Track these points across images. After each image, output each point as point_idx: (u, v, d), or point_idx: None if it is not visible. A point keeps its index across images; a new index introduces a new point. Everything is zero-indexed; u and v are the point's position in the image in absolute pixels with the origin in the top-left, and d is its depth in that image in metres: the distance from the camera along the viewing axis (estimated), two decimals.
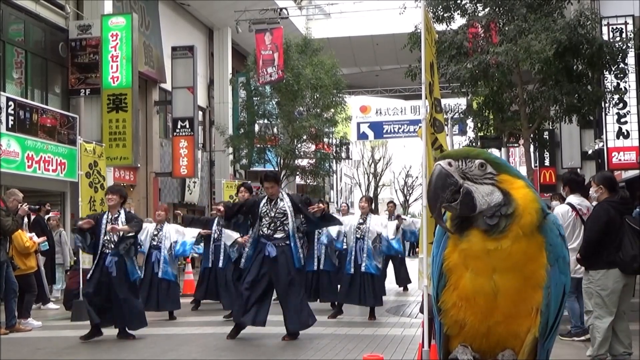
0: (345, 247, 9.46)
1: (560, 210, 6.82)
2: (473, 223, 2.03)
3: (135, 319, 7.77)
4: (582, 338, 6.84)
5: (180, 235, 9.82)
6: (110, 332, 8.42)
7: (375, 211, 14.12)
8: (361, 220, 9.25)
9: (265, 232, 7.57)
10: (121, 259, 7.64)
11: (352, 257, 9.13)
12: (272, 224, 7.58)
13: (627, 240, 5.54)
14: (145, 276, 9.45)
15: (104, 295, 7.64)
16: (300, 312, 7.53)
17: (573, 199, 6.79)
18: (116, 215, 7.75)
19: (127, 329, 7.82)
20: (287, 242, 7.54)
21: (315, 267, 10.33)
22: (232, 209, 7.94)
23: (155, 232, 9.74)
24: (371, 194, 48.61)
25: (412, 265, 12.33)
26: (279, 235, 7.56)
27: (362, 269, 9.01)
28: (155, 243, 9.63)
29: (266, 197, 7.74)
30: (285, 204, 7.63)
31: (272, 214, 7.58)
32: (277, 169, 22.54)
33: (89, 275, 7.83)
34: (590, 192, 6.22)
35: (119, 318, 7.74)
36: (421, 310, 6.48)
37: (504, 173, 2.07)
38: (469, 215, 2.03)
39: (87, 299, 7.74)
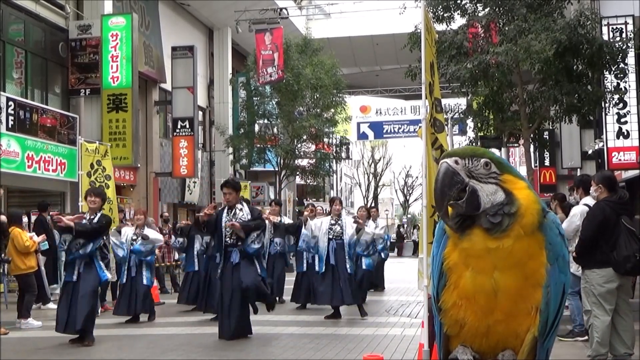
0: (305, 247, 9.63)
1: (578, 210, 6.83)
2: (475, 222, 2.03)
3: (88, 319, 7.47)
4: (586, 338, 6.83)
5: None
6: (110, 332, 8.42)
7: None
8: (333, 222, 9.39)
9: (229, 241, 7.58)
10: (90, 260, 7.51)
11: (325, 257, 9.20)
12: (233, 233, 7.57)
13: (622, 241, 5.56)
14: (125, 281, 9.38)
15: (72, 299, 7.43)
16: (239, 322, 7.49)
17: (588, 200, 6.79)
18: (93, 217, 7.63)
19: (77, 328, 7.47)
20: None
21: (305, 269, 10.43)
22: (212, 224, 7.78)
23: (134, 237, 9.56)
24: (371, 194, 48.64)
25: (412, 265, 12.32)
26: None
27: (339, 269, 9.10)
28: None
29: (226, 208, 7.70)
30: (245, 214, 7.63)
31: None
32: (277, 169, 22.58)
33: (66, 280, 7.61)
34: (590, 191, 6.23)
35: (76, 319, 7.38)
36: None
37: (507, 173, 2.09)
38: (473, 213, 2.03)
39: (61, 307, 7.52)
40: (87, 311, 7.36)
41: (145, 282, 9.37)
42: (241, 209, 7.68)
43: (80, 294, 7.39)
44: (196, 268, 10.49)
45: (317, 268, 9.34)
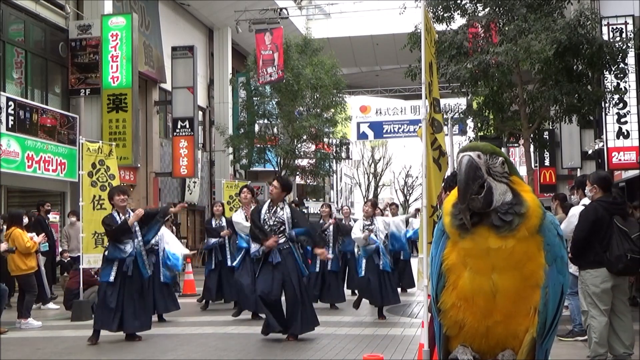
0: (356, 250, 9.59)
1: (576, 211, 6.83)
2: (482, 220, 2.03)
3: (148, 318, 7.81)
4: (586, 337, 6.84)
5: (169, 244, 9.69)
6: (109, 332, 8.42)
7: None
8: (368, 223, 9.35)
9: None
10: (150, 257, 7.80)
11: (364, 261, 9.19)
12: (272, 232, 7.53)
13: (614, 241, 5.58)
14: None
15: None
16: (309, 316, 7.53)
17: (587, 201, 6.80)
18: (128, 216, 7.69)
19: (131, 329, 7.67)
20: (288, 245, 7.53)
21: (317, 269, 10.51)
22: (256, 233, 7.68)
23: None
24: (371, 194, 48.62)
25: (412, 265, 12.30)
26: (281, 240, 7.51)
27: (380, 267, 9.11)
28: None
29: (267, 203, 7.71)
30: (285, 214, 7.58)
31: (271, 222, 7.55)
32: (277, 169, 22.57)
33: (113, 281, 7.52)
34: (585, 191, 6.25)
35: (138, 318, 7.62)
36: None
37: (515, 175, 2.11)
38: (484, 210, 2.03)
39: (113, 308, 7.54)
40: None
41: (162, 279, 9.37)
42: (282, 208, 7.62)
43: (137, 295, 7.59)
44: (213, 266, 10.66)
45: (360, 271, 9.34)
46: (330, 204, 11.33)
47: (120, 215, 7.67)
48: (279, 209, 7.61)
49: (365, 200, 10.34)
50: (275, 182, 7.74)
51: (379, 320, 9.05)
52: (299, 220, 7.63)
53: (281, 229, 7.54)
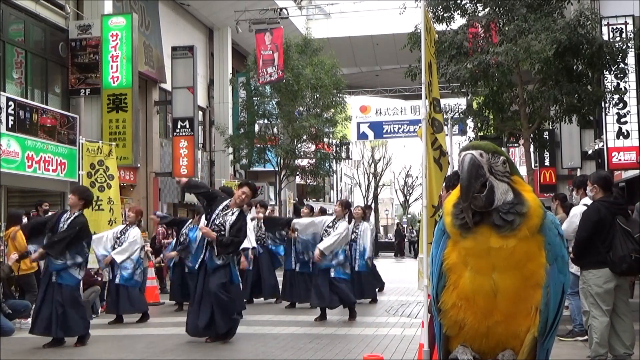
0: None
1: (578, 210, 6.84)
2: (483, 219, 2.03)
3: (73, 328, 7.35)
4: (586, 337, 6.84)
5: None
6: (110, 332, 8.42)
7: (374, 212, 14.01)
8: (331, 224, 9.11)
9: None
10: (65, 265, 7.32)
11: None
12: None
13: (618, 241, 5.58)
14: (111, 279, 9.28)
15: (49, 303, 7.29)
16: (205, 321, 7.38)
17: (588, 200, 6.81)
18: (68, 216, 7.49)
19: (61, 336, 7.36)
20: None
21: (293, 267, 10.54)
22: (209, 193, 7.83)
23: (119, 235, 9.34)
24: (371, 194, 48.61)
25: (412, 265, 12.30)
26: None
27: (332, 274, 8.86)
28: (116, 246, 9.26)
29: (226, 203, 7.57)
30: (232, 219, 7.44)
31: (217, 222, 7.46)
32: (277, 169, 22.58)
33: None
34: (586, 191, 6.26)
35: (56, 325, 7.27)
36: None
37: (516, 174, 2.12)
38: (486, 209, 2.03)
39: (37, 310, 7.38)
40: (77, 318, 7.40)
41: (118, 281, 9.13)
42: (233, 213, 7.51)
43: (60, 301, 7.28)
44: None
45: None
46: (312, 206, 11.18)
47: (69, 214, 7.57)
48: (230, 212, 7.51)
49: (338, 200, 10.13)
50: (246, 188, 7.58)
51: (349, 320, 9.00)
52: (232, 229, 7.41)
53: (221, 232, 7.42)
